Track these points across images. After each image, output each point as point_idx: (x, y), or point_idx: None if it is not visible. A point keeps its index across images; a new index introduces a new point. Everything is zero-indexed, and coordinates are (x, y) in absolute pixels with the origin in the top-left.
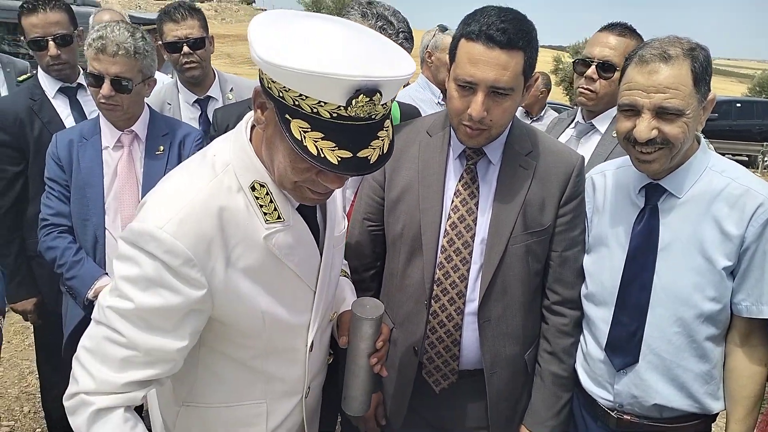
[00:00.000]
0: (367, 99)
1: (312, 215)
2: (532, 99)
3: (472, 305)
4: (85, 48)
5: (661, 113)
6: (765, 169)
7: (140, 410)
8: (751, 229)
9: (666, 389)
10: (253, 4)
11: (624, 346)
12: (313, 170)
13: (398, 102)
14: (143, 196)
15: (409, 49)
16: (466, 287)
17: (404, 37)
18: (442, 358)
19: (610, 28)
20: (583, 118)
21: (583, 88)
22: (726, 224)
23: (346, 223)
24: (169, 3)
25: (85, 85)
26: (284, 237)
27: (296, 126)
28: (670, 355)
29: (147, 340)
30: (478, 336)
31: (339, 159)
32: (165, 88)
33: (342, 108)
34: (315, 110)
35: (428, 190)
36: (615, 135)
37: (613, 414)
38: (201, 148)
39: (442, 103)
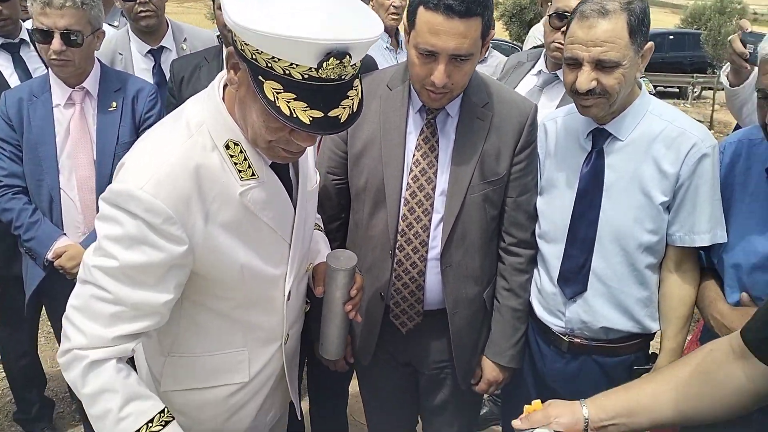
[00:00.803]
0: (338, 62)
1: (285, 171)
2: None
3: (434, 252)
4: (29, 3)
5: (600, 65)
6: (694, 100)
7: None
8: (685, 168)
9: (611, 313)
10: None
11: (574, 277)
12: (286, 130)
13: None
14: (97, 154)
15: None
16: (428, 237)
17: None
18: (407, 302)
19: None
20: (547, 68)
21: (559, 43)
22: (663, 163)
23: (318, 177)
24: None
25: (29, 41)
26: (258, 193)
27: (269, 87)
28: (615, 283)
29: (133, 295)
30: (441, 280)
31: (311, 119)
32: (116, 38)
33: (313, 70)
34: (287, 72)
35: (390, 144)
36: None
37: (565, 338)
38: (155, 103)
39: (390, 48)
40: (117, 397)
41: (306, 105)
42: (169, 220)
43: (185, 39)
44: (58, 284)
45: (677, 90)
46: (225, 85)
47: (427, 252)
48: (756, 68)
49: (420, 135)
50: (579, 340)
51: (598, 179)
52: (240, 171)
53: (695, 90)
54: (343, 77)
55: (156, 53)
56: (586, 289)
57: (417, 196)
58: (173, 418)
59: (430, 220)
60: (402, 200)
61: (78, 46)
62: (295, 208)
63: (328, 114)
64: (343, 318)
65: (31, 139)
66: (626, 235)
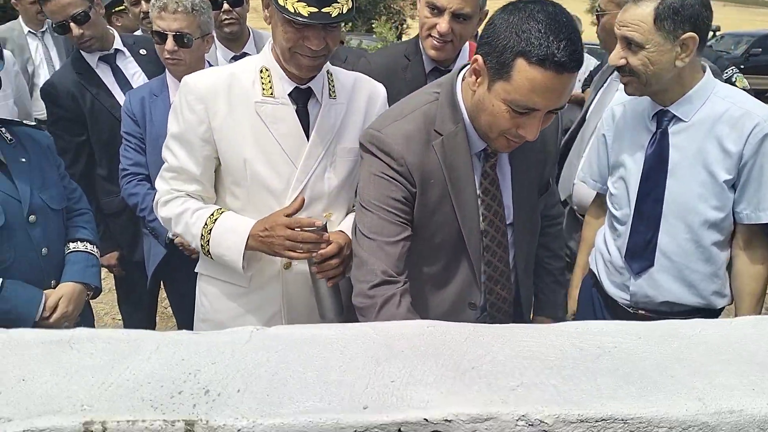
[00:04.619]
0: None
1: (303, 105)
2: None
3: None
4: (150, 10)
5: (628, 45)
6: None
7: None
8: (749, 147)
9: (677, 288)
10: None
11: (641, 253)
12: (297, 34)
13: None
14: None
15: None
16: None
17: None
18: (501, 321)
19: None
20: None
21: None
22: (726, 143)
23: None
24: None
25: (123, 50)
26: (272, 109)
27: None
28: (681, 258)
29: (175, 162)
30: (516, 286)
31: (309, 12)
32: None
33: None
34: None
35: (463, 200)
36: None
37: (630, 311)
38: None
39: None
40: (187, 212)
41: (305, 3)
42: (199, 99)
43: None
44: (178, 262)
45: None
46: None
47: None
48: None
49: (485, 178)
50: (644, 313)
51: (662, 158)
52: (264, 89)
53: None
54: None
55: (239, 59)
56: (652, 265)
57: (489, 232)
58: (227, 210)
59: (505, 251)
60: (482, 246)
61: (188, 47)
62: (308, 141)
63: (322, 10)
64: (324, 281)
65: (153, 133)
66: (691, 211)
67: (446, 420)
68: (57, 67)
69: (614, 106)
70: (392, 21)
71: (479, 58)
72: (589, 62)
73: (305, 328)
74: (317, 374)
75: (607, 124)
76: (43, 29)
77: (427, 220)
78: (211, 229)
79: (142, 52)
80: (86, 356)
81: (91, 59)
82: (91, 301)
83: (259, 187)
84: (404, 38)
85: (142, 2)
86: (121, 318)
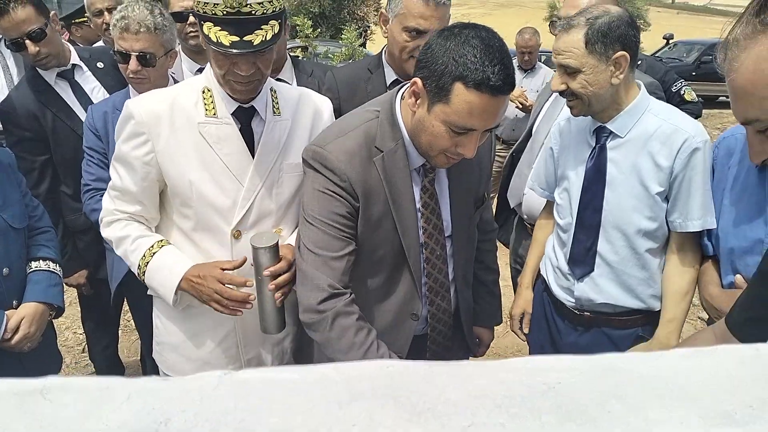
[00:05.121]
0: None
1: (247, 124)
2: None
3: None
4: (111, 29)
5: (566, 71)
6: None
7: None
8: (678, 161)
9: (616, 292)
10: None
11: (582, 259)
12: (226, 61)
13: None
14: None
15: (447, 5)
16: (448, 278)
17: None
18: (441, 332)
19: None
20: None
21: None
22: (658, 158)
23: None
24: None
25: (80, 65)
26: (215, 129)
27: (206, 26)
28: (618, 264)
29: (118, 183)
30: (455, 297)
31: (231, 42)
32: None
33: (223, 5)
34: (213, 12)
35: (404, 214)
36: None
37: (576, 313)
38: None
39: None
40: (128, 239)
41: (227, 33)
42: (141, 124)
43: None
44: None
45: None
46: None
47: (449, 280)
48: None
49: (424, 193)
50: (589, 314)
51: (600, 172)
52: (207, 110)
53: None
54: (253, 12)
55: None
56: (593, 270)
57: (428, 245)
58: (168, 244)
59: (444, 262)
60: (423, 259)
61: (152, 66)
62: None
63: (243, 38)
64: (272, 298)
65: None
66: (626, 221)
67: None
68: (15, 76)
69: (561, 121)
70: (357, 27)
71: (418, 81)
72: (547, 72)
73: (271, 372)
74: (282, 420)
75: (554, 138)
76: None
77: (369, 234)
78: (148, 262)
79: (99, 65)
80: (60, 407)
81: (49, 76)
82: None
83: (207, 207)
84: (368, 44)
85: (105, 13)
86: (83, 332)
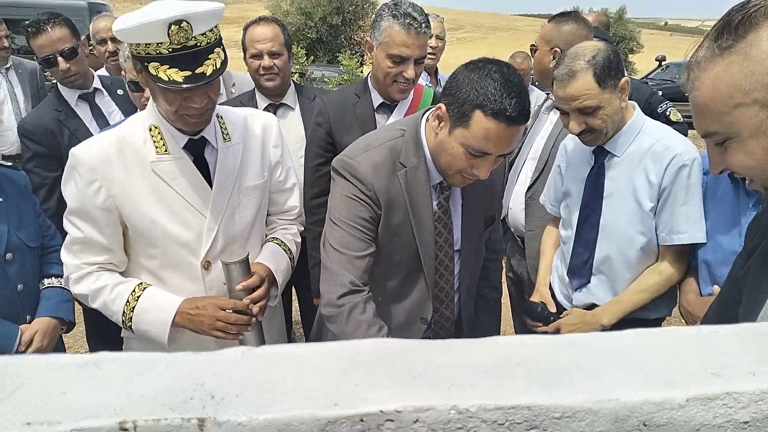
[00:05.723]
0: (178, 27)
1: (200, 155)
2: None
3: (456, 286)
4: (123, 60)
5: (583, 112)
6: None
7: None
8: (667, 177)
9: (609, 299)
10: None
11: (579, 271)
12: (178, 96)
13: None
14: None
15: (428, 33)
16: (454, 289)
17: (425, 26)
18: (443, 335)
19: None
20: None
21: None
22: (650, 175)
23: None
24: None
25: (101, 89)
26: (169, 165)
27: (152, 66)
28: (613, 276)
29: (79, 235)
30: (458, 307)
31: (183, 77)
32: None
33: (168, 42)
34: (157, 51)
35: (422, 227)
36: None
37: None
38: None
39: (430, 85)
40: (105, 289)
41: (177, 69)
42: (91, 170)
43: (234, 84)
44: None
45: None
46: None
47: (454, 292)
48: None
49: (439, 208)
50: None
51: (598, 189)
52: (157, 147)
53: None
54: (198, 44)
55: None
56: (589, 281)
57: (439, 256)
58: (150, 285)
59: (452, 274)
60: (435, 269)
61: None
62: (212, 189)
63: (195, 71)
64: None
65: None
66: (621, 235)
67: (396, 411)
68: (21, 103)
69: (566, 141)
70: (353, 53)
71: (443, 106)
72: (540, 95)
73: (285, 348)
74: (296, 383)
75: (561, 157)
76: (7, 65)
77: (389, 241)
78: (133, 307)
79: (120, 92)
80: (111, 374)
81: (71, 97)
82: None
83: (173, 243)
84: (364, 68)
85: (109, 42)
86: (87, 350)
